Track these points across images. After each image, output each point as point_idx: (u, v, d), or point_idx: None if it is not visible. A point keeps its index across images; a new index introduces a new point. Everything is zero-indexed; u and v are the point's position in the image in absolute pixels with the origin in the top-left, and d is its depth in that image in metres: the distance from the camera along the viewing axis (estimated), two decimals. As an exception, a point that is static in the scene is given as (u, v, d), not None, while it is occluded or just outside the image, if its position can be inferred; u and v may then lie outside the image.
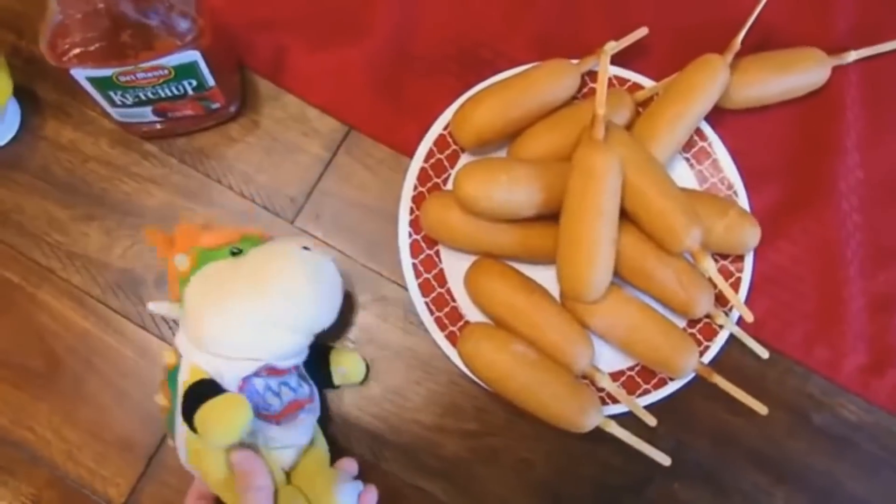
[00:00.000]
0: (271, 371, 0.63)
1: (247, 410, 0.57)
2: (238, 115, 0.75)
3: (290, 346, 0.64)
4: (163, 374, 0.64)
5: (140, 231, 0.73)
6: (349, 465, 0.66)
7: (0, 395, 0.71)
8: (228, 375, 0.61)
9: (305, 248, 0.64)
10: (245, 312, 0.61)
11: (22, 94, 0.74)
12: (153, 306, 0.64)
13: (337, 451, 0.67)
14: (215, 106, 0.72)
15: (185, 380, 0.61)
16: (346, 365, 0.69)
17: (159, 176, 0.74)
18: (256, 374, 0.62)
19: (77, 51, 0.62)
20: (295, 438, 0.64)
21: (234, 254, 0.63)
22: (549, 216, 0.67)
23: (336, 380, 0.69)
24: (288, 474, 0.64)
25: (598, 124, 0.64)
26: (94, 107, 0.74)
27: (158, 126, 0.73)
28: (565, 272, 0.66)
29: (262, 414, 0.61)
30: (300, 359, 0.66)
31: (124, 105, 0.69)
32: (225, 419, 0.57)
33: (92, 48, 0.62)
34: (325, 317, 0.64)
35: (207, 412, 0.57)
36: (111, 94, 0.67)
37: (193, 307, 0.62)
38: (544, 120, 0.72)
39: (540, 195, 0.66)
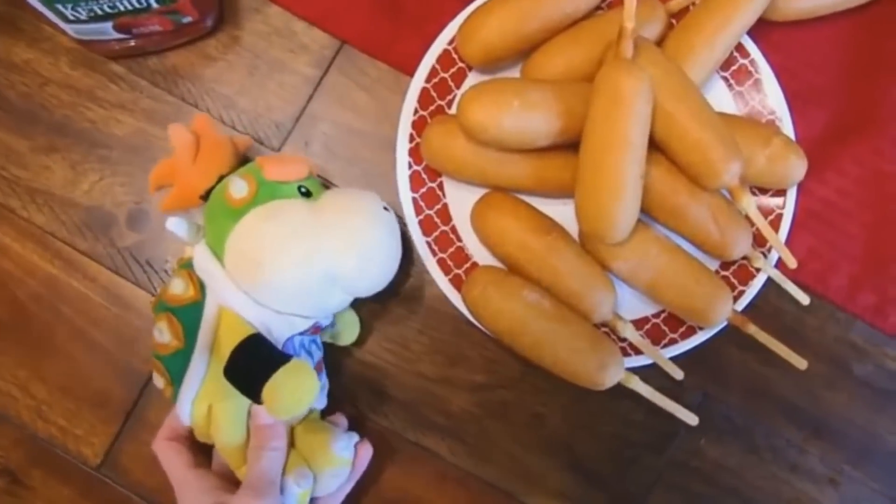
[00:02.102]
0: (315, 330, 0.57)
1: (316, 380, 0.51)
2: (215, 30, 0.66)
3: (340, 307, 0.58)
4: (166, 302, 0.55)
5: (107, 164, 0.65)
6: (338, 418, 0.60)
7: (-39, 347, 0.64)
8: (277, 331, 0.54)
9: (385, 208, 0.57)
10: (320, 267, 0.53)
11: (-34, 7, 0.65)
12: (173, 224, 0.56)
13: (331, 406, 0.60)
14: (187, 20, 0.63)
15: (215, 326, 0.53)
16: (339, 323, 0.62)
17: (128, 101, 0.66)
18: (302, 332, 0.56)
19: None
20: (316, 401, 0.58)
21: (302, 194, 0.55)
22: (567, 145, 0.59)
23: (323, 337, 0.62)
24: None
25: (626, 40, 0.56)
26: (51, 21, 0.65)
27: (126, 44, 0.64)
28: (586, 210, 0.58)
29: None
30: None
31: (78, 21, 0.60)
32: (300, 391, 0.50)
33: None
34: (384, 284, 0.57)
35: (282, 383, 0.49)
36: (60, 7, 0.58)
37: (255, 247, 0.53)
38: (563, 34, 0.63)
39: (557, 122, 0.58)
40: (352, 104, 0.65)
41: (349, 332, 0.63)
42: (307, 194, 0.56)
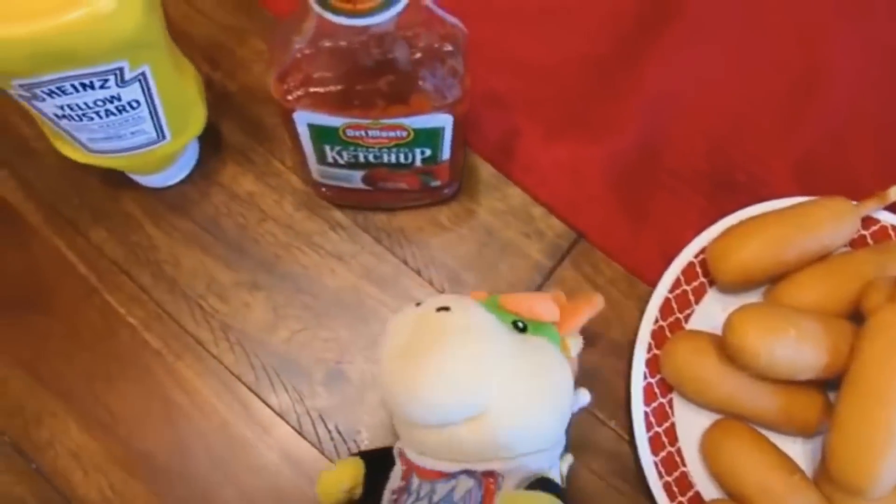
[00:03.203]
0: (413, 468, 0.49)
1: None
2: (449, 200, 0.64)
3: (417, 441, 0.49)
4: None
5: (311, 314, 0.61)
6: None
7: (112, 480, 0.57)
8: None
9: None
10: None
11: (204, 131, 0.62)
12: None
13: None
14: (435, 184, 0.60)
15: None
16: None
17: (347, 253, 0.62)
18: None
19: (312, 90, 0.51)
20: None
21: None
22: (819, 381, 0.56)
23: None
24: None
25: (909, 287, 0.53)
26: (284, 159, 0.63)
27: (361, 195, 0.62)
28: (844, 458, 0.53)
29: None
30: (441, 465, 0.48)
31: (335, 164, 0.57)
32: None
33: (329, 90, 0.51)
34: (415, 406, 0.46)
35: None
36: (326, 148, 0.56)
37: None
38: (814, 266, 0.60)
39: (825, 357, 0.54)
40: (582, 300, 0.62)
41: None
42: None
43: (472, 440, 0.46)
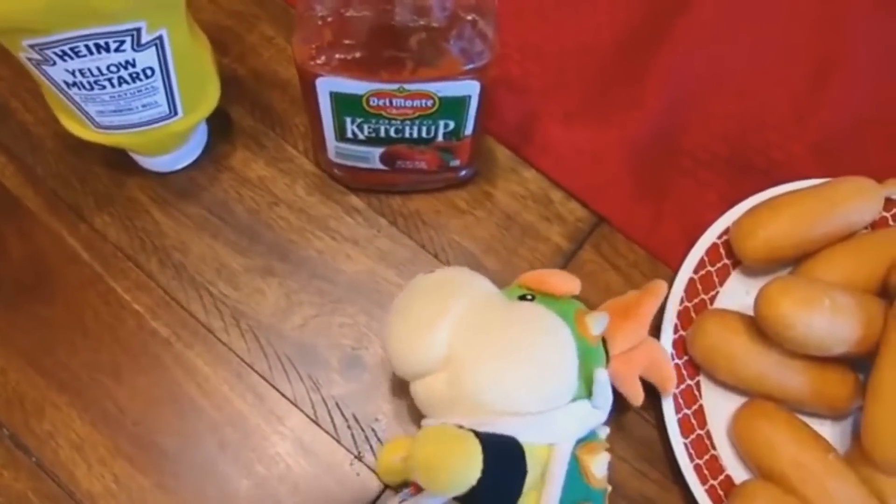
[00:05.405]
0: None
1: None
2: (466, 183, 0.62)
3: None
4: None
5: (327, 300, 0.59)
6: None
7: (117, 473, 0.54)
8: None
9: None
10: None
11: (213, 115, 0.61)
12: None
13: None
14: (454, 163, 0.59)
15: None
16: None
17: (363, 237, 0.60)
18: None
19: (338, 54, 0.50)
20: None
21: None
22: (850, 358, 0.55)
23: None
24: None
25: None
26: (296, 143, 0.62)
27: (378, 176, 0.60)
28: (880, 435, 0.52)
29: None
30: None
31: (355, 140, 0.56)
32: None
33: (357, 53, 0.50)
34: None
35: None
36: (347, 120, 0.54)
37: None
38: (841, 244, 0.60)
39: (859, 331, 0.53)
40: (604, 284, 0.60)
41: None
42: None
43: (442, 390, 0.47)
